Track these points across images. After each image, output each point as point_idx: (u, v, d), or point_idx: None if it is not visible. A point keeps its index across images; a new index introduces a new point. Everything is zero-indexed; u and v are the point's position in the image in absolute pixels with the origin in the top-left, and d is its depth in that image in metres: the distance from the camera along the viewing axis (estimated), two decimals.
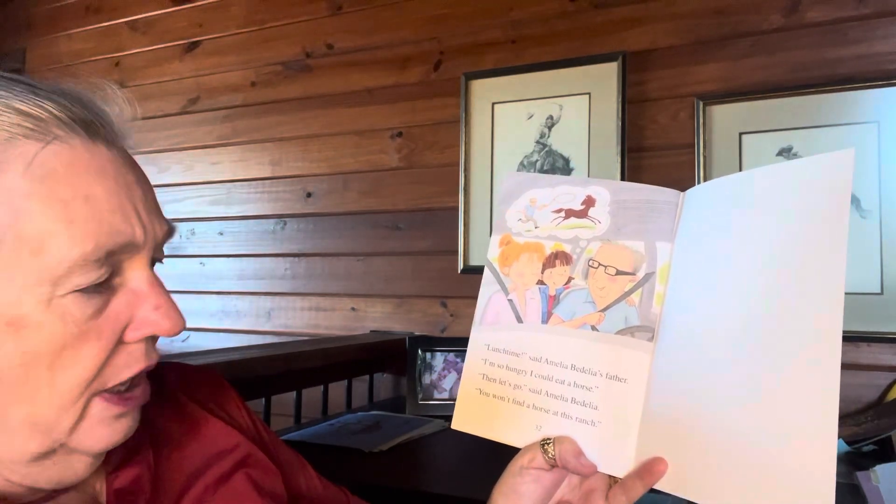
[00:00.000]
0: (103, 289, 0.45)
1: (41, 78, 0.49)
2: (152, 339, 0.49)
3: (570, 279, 0.63)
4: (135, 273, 0.47)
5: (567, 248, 0.63)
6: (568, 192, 0.65)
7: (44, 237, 0.42)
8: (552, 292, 0.63)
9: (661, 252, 0.60)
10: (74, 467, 0.47)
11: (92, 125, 0.46)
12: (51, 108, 0.44)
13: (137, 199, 0.47)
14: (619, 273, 0.61)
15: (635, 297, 0.60)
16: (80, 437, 0.46)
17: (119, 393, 0.47)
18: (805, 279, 0.50)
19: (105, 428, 0.47)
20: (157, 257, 0.50)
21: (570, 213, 0.64)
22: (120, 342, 0.46)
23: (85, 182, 0.44)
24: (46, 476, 0.46)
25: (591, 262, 0.62)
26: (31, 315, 0.42)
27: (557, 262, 0.64)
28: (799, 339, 0.49)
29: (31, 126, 0.43)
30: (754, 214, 0.54)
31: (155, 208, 0.49)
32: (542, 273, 0.64)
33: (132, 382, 0.48)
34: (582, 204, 0.64)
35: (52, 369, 0.43)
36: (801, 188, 0.52)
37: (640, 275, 0.60)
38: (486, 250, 0.68)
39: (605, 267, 0.62)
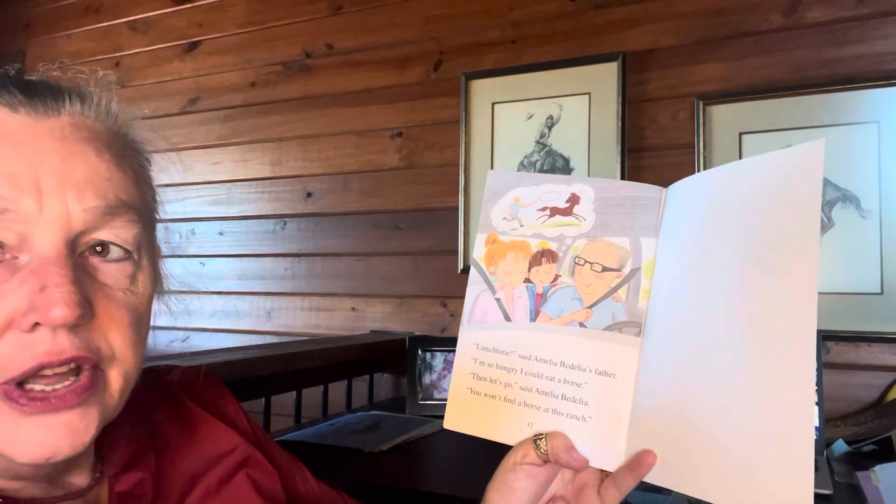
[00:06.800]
0: None
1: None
2: (67, 330, 0.43)
3: (556, 277, 0.63)
4: (36, 252, 0.43)
5: (553, 246, 0.64)
6: (552, 190, 0.65)
7: None
8: (539, 290, 0.63)
9: (645, 248, 0.60)
10: (15, 471, 0.45)
11: (11, 94, 0.46)
12: None
13: (45, 170, 0.44)
14: (605, 269, 0.61)
15: (622, 293, 0.60)
16: None
17: (24, 390, 0.42)
18: (780, 271, 0.50)
19: (14, 430, 0.42)
20: (104, 240, 0.47)
21: (555, 212, 0.64)
22: (10, 328, 0.42)
23: None
24: None
25: (577, 260, 0.62)
26: None
27: (544, 259, 0.64)
28: (775, 331, 0.49)
29: None
30: (733, 208, 0.55)
31: (82, 182, 0.45)
32: (529, 271, 0.64)
33: (52, 380, 0.43)
34: (567, 202, 0.64)
35: None
36: (775, 181, 0.52)
37: (626, 271, 0.61)
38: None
39: (591, 264, 0.62)
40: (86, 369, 0.45)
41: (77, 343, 0.43)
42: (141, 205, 0.51)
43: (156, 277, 0.53)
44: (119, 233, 0.47)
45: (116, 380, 0.47)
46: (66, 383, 0.44)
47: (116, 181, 0.48)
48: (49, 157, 0.45)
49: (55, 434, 0.43)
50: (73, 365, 0.44)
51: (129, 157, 0.52)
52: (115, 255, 0.48)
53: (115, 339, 0.47)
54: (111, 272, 0.47)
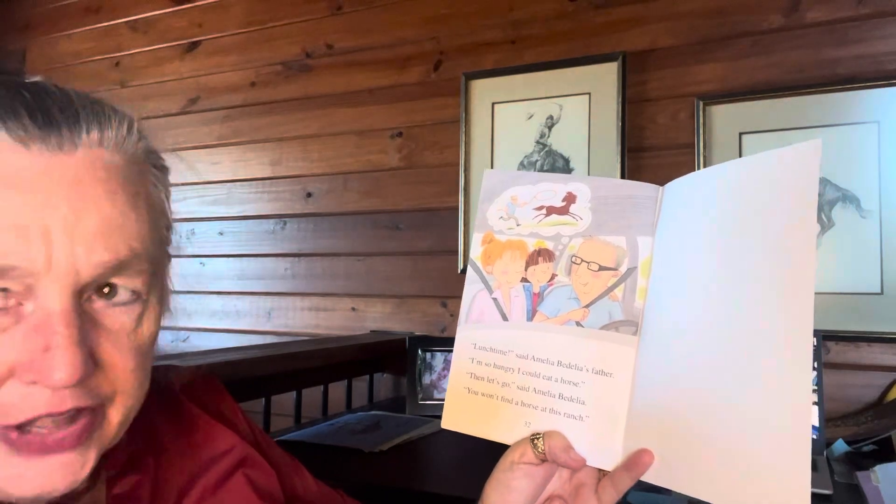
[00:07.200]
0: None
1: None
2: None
3: (553, 276, 0.63)
4: (41, 303, 0.41)
5: (549, 245, 0.64)
6: (549, 189, 0.65)
7: None
8: (536, 289, 0.63)
9: (642, 247, 0.60)
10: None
11: (24, 127, 0.42)
12: None
13: (56, 220, 0.41)
14: (601, 269, 0.61)
15: (618, 292, 0.60)
16: None
17: (23, 432, 0.42)
18: (776, 270, 0.50)
19: (9, 468, 0.42)
20: (113, 283, 0.45)
21: (551, 210, 0.64)
22: (12, 377, 0.41)
23: None
24: None
25: (573, 259, 0.62)
26: None
27: (540, 259, 0.64)
28: (772, 331, 0.49)
29: None
30: (729, 206, 0.55)
31: (92, 235, 0.43)
32: (526, 270, 0.64)
33: (51, 427, 0.42)
34: (563, 201, 0.64)
35: None
36: (772, 180, 0.52)
37: (623, 270, 0.61)
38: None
39: (588, 263, 0.62)
40: (85, 413, 0.44)
41: (78, 394, 0.42)
42: (152, 247, 0.48)
43: (163, 312, 0.51)
44: (128, 282, 0.45)
45: (116, 416, 0.46)
46: (63, 430, 0.43)
47: (129, 228, 0.45)
48: (59, 206, 0.42)
49: (53, 474, 0.43)
50: (73, 412, 0.43)
51: (144, 188, 0.48)
52: (122, 298, 0.46)
53: (118, 382, 0.46)
54: (117, 316, 0.45)
